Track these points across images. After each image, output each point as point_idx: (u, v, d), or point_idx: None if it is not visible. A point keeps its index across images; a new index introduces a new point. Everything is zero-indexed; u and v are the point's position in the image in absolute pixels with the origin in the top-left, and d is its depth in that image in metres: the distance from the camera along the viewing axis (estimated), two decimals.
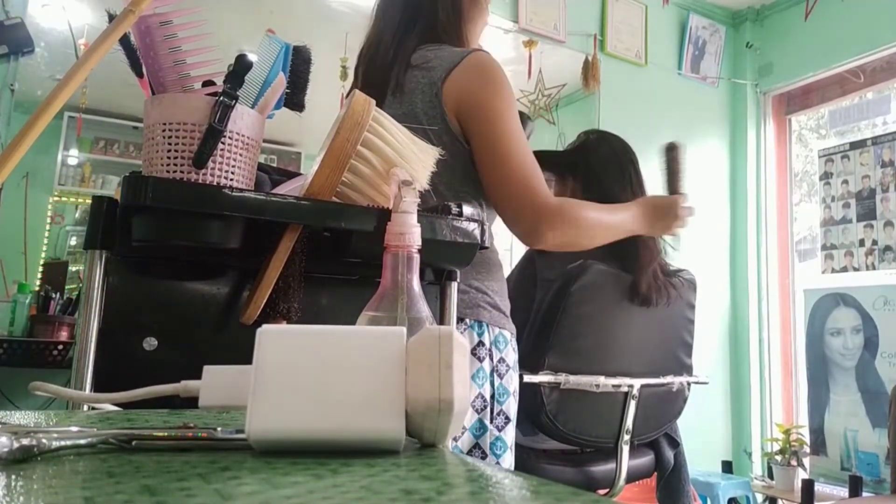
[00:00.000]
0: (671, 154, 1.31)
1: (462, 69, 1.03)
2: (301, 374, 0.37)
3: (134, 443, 0.36)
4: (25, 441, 0.33)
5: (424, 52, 1.08)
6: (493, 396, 1.04)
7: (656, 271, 1.52)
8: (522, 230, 1.01)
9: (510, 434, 1.07)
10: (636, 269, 1.49)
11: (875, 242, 2.87)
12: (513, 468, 1.06)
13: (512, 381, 1.08)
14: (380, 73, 1.09)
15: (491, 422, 1.04)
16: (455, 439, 0.98)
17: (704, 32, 3.40)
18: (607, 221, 1.08)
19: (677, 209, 1.20)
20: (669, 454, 1.63)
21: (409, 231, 0.58)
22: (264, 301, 0.73)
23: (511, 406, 1.07)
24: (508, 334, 1.10)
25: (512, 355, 1.09)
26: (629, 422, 1.49)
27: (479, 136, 1.01)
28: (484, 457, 1.02)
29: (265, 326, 0.39)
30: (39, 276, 2.13)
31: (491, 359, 1.05)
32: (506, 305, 1.12)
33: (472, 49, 1.07)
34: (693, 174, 3.28)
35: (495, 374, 1.05)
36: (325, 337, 0.39)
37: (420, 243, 0.58)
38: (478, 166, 1.02)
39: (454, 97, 1.02)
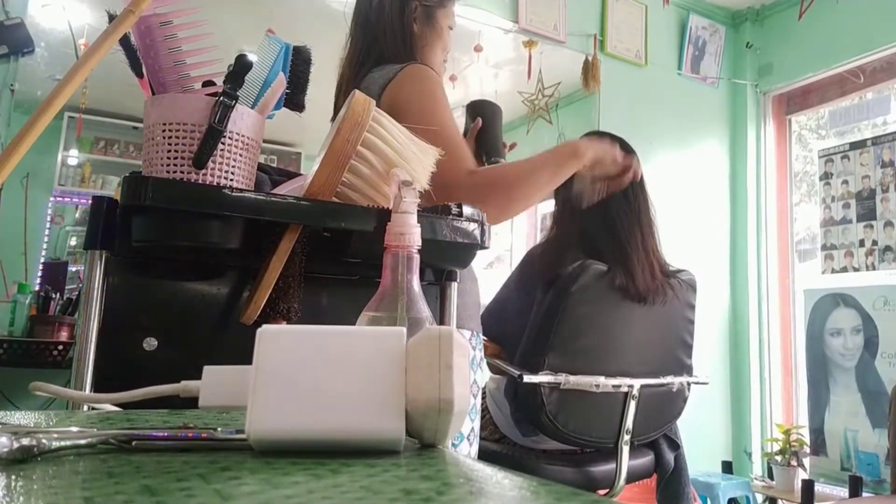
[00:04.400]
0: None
1: (396, 81, 1.07)
2: (301, 374, 0.37)
3: (134, 443, 0.36)
4: (25, 441, 0.33)
5: (370, 75, 1.12)
6: None
7: (654, 269, 1.52)
8: (443, 185, 0.96)
9: (467, 425, 1.09)
10: (634, 265, 1.49)
11: (875, 242, 2.87)
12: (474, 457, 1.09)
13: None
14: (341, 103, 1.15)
15: None
16: None
17: (704, 32, 3.40)
18: (530, 169, 1.07)
19: (613, 154, 1.19)
20: (669, 455, 1.63)
21: (409, 231, 0.58)
22: (264, 301, 0.73)
23: None
24: (467, 333, 1.12)
25: (470, 352, 1.12)
26: (629, 422, 1.49)
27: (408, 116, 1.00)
28: None
29: (265, 326, 0.39)
30: (39, 276, 2.13)
31: None
32: (466, 304, 1.13)
33: (408, 63, 1.10)
34: (693, 175, 3.29)
35: None
36: (325, 337, 0.39)
37: (420, 243, 0.58)
38: None
39: (387, 104, 1.05)
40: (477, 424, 1.12)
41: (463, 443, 1.08)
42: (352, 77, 1.16)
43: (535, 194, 1.09)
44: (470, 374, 1.10)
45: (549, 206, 1.83)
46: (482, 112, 1.40)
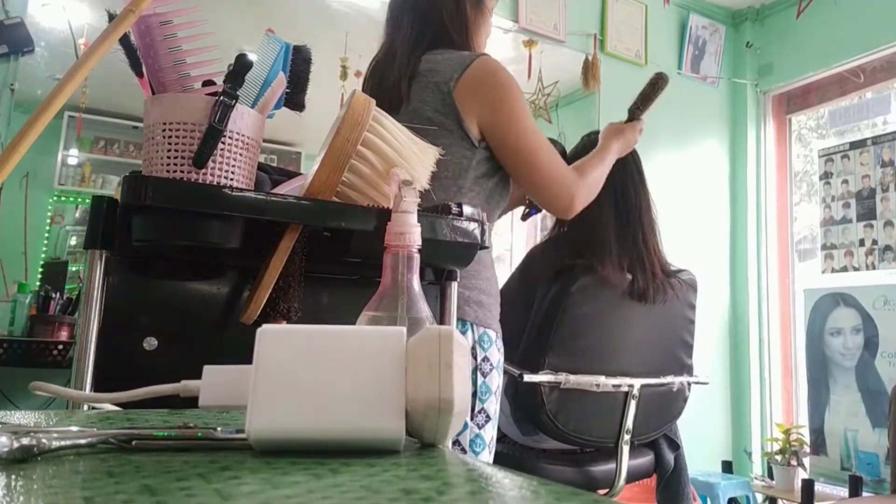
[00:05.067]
0: (656, 84, 1.48)
1: (474, 75, 1.09)
2: (301, 374, 0.37)
3: (134, 443, 0.36)
4: (25, 441, 0.33)
5: (429, 57, 1.13)
6: (475, 394, 1.06)
7: (655, 267, 1.52)
8: (562, 213, 1.20)
9: (489, 432, 1.09)
10: (635, 263, 1.49)
11: (875, 242, 2.87)
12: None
13: (494, 381, 1.10)
14: (392, 88, 1.14)
15: (472, 419, 1.06)
16: None
17: (704, 32, 3.40)
18: (601, 171, 1.27)
19: (634, 133, 1.43)
20: (669, 455, 1.63)
21: (409, 231, 0.58)
22: (264, 301, 0.73)
23: (492, 404, 1.09)
24: (493, 334, 1.11)
25: (496, 355, 1.11)
26: (629, 422, 1.49)
27: (506, 148, 1.12)
28: (463, 453, 1.04)
29: (265, 326, 0.39)
30: (39, 276, 2.13)
31: (474, 357, 1.08)
32: (492, 304, 1.13)
33: (478, 53, 1.13)
34: (692, 175, 3.29)
35: (478, 373, 1.08)
36: (325, 337, 0.39)
37: (420, 243, 0.58)
38: (512, 174, 1.16)
39: (470, 105, 1.08)
40: (495, 432, 1.12)
41: (484, 451, 1.08)
42: (406, 60, 1.15)
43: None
44: (496, 375, 1.10)
45: None
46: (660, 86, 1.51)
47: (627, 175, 1.59)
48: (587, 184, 1.20)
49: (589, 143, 1.66)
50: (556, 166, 1.14)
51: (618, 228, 1.54)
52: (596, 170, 1.25)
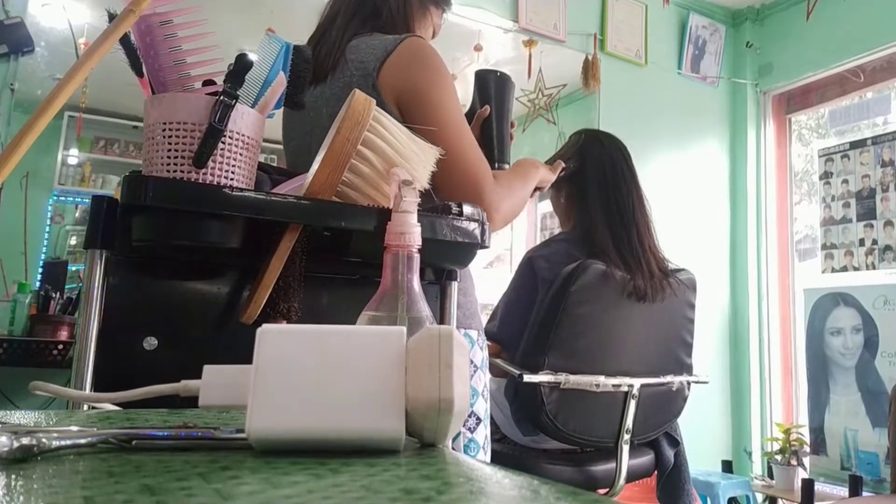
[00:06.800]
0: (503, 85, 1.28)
1: (397, 56, 1.01)
2: (301, 373, 0.37)
3: (134, 442, 0.36)
4: (25, 441, 0.33)
5: (355, 43, 1.07)
6: None
7: (652, 266, 1.52)
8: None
9: (481, 433, 1.07)
10: (632, 263, 1.49)
11: (875, 242, 2.87)
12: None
13: (480, 381, 1.08)
14: (324, 62, 1.08)
15: (463, 424, 1.04)
16: None
17: (704, 32, 3.40)
18: (525, 192, 1.12)
19: (554, 173, 1.27)
20: (669, 453, 1.63)
21: (409, 231, 0.58)
22: (264, 301, 0.73)
23: (480, 406, 1.07)
24: (475, 333, 1.09)
25: (479, 354, 1.09)
26: (629, 421, 1.49)
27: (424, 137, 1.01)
28: None
29: (265, 326, 0.39)
30: (39, 275, 2.13)
31: None
32: (470, 304, 1.11)
33: (405, 35, 1.04)
34: (692, 175, 3.29)
35: None
36: (325, 337, 0.39)
37: (420, 243, 0.58)
38: None
39: (392, 85, 1.01)
40: (489, 431, 1.10)
41: (479, 453, 1.06)
42: (338, 39, 1.09)
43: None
44: (482, 375, 1.08)
45: (547, 205, 1.83)
46: (493, 93, 1.24)
47: (618, 173, 1.60)
48: (511, 197, 1.04)
49: (579, 142, 1.66)
50: (480, 168, 0.99)
51: (612, 227, 1.54)
52: (521, 188, 1.09)
